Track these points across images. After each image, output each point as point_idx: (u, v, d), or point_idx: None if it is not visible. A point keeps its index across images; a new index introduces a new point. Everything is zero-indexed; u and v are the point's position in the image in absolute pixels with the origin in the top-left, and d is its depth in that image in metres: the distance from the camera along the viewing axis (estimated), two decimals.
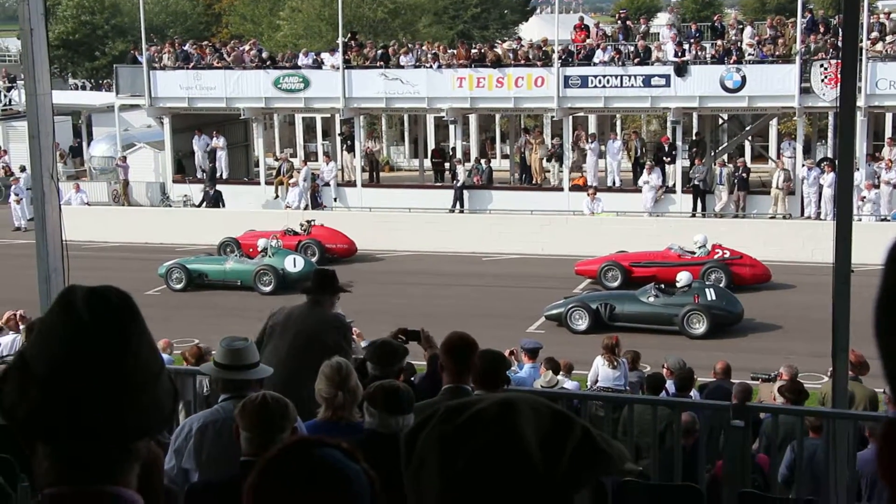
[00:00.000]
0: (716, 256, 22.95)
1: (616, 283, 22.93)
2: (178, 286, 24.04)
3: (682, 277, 20.15)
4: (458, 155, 31.89)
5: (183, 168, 33.63)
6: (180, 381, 8.76)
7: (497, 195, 31.31)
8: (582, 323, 19.86)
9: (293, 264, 23.89)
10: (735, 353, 16.42)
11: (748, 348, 18.33)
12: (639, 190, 29.85)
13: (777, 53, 28.81)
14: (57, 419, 1.68)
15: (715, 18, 34.75)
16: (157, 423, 1.78)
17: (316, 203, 31.65)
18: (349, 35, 33.10)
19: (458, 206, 30.89)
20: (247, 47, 34.11)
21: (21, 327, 13.03)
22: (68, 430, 1.68)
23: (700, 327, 19.44)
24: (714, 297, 19.82)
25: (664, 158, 30.37)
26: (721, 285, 21.50)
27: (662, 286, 20.32)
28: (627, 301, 20.16)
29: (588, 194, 28.95)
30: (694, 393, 11.66)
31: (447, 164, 33.54)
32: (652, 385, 10.62)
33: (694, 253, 23.10)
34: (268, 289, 23.46)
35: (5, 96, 40.88)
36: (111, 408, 1.68)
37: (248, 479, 1.83)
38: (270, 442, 4.07)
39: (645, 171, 29.80)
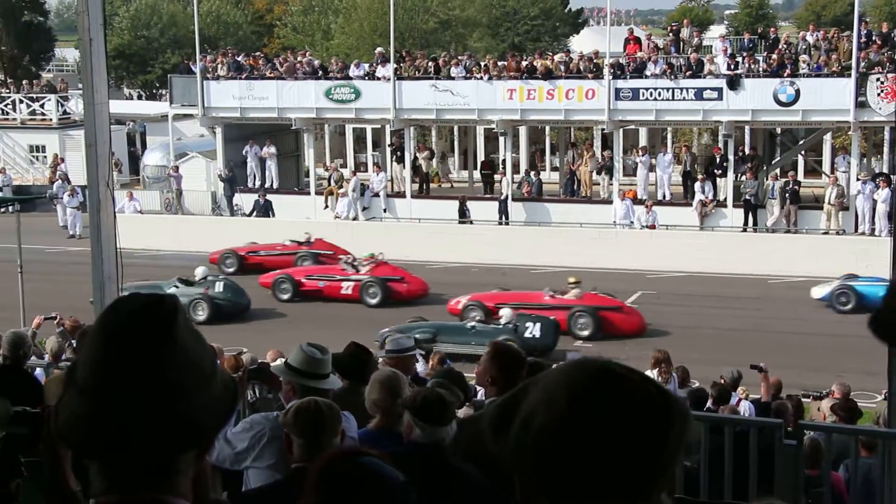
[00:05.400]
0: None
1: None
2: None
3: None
4: (509, 167, 31.80)
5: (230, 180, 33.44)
6: None
7: (546, 207, 31.22)
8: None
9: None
10: (786, 370, 16.19)
11: (799, 365, 18.07)
12: (689, 204, 29.61)
13: (832, 68, 28.43)
14: (97, 428, 1.63)
15: (771, 31, 34.43)
16: (208, 429, 1.71)
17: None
18: (400, 50, 33.19)
19: (503, 218, 30.86)
20: (299, 58, 34.35)
21: (58, 331, 12.83)
22: (108, 440, 1.63)
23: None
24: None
25: (715, 171, 30.09)
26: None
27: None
28: None
29: (646, 206, 28.76)
30: (748, 405, 11.48)
31: (496, 176, 33.54)
32: (694, 400, 10.42)
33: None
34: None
35: (62, 105, 41.50)
36: (151, 415, 1.61)
37: (302, 496, 1.84)
38: (326, 447, 4.07)
39: (697, 184, 29.64)
